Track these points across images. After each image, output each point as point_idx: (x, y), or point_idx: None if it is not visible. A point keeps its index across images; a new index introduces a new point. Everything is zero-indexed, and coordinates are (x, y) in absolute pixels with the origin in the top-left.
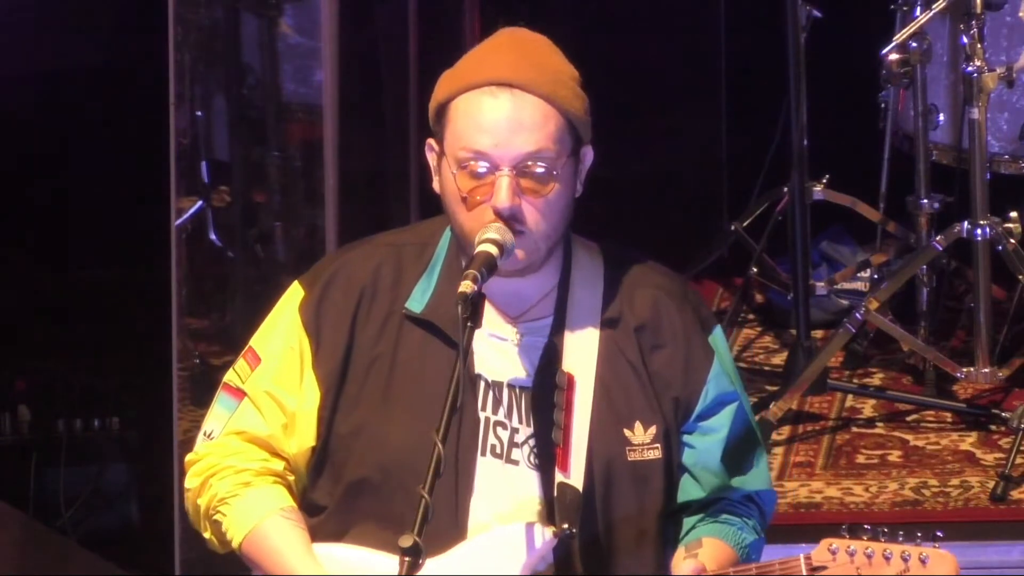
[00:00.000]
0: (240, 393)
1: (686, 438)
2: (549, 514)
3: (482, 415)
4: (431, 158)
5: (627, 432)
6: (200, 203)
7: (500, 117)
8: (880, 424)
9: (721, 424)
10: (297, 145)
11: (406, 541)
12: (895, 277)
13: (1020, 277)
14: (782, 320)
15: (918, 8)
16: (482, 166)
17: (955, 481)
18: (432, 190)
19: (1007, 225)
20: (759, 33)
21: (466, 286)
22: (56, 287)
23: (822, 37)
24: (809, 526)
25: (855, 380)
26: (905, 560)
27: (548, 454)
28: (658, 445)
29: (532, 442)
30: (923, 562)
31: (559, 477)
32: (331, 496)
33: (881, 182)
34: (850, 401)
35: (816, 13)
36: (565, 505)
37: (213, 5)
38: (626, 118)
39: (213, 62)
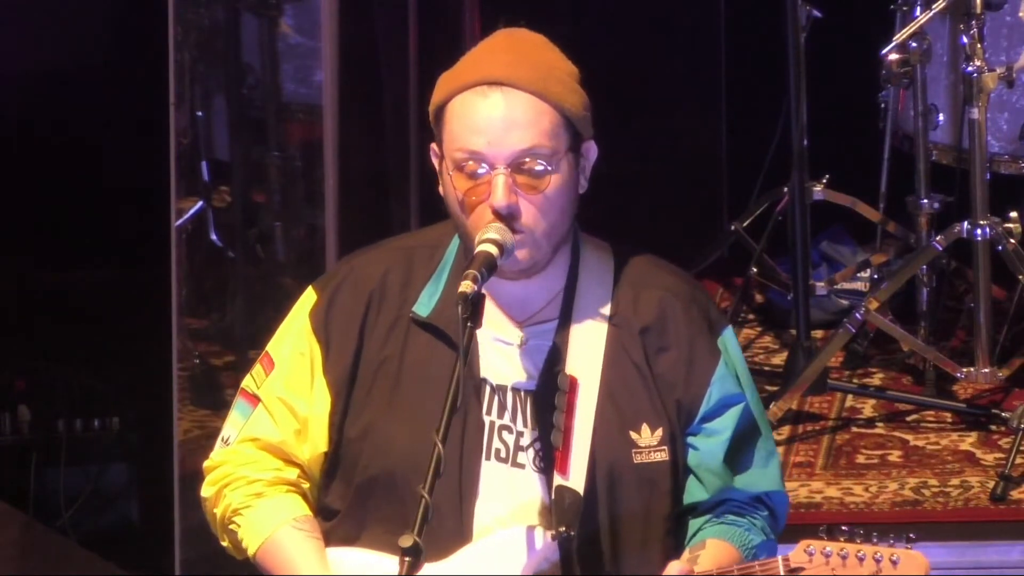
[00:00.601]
0: (255, 399)
1: (690, 439)
2: (551, 517)
3: (486, 419)
4: (435, 163)
5: (633, 434)
6: (200, 203)
7: (492, 116)
8: (880, 424)
9: (725, 426)
10: (297, 145)
11: (406, 541)
12: (895, 277)
13: (1020, 277)
14: (782, 320)
15: (918, 8)
16: (477, 166)
17: (955, 481)
18: (437, 192)
19: (1007, 225)
20: (759, 33)
21: (466, 286)
22: (56, 287)
23: (822, 37)
24: (809, 526)
25: (855, 380)
26: (877, 561)
27: (551, 457)
28: (665, 447)
29: (537, 446)
30: (894, 563)
31: (558, 480)
32: (343, 500)
33: (881, 182)
34: (850, 401)
35: (816, 13)
36: (563, 508)
37: (213, 5)
38: (626, 118)
39: (213, 62)
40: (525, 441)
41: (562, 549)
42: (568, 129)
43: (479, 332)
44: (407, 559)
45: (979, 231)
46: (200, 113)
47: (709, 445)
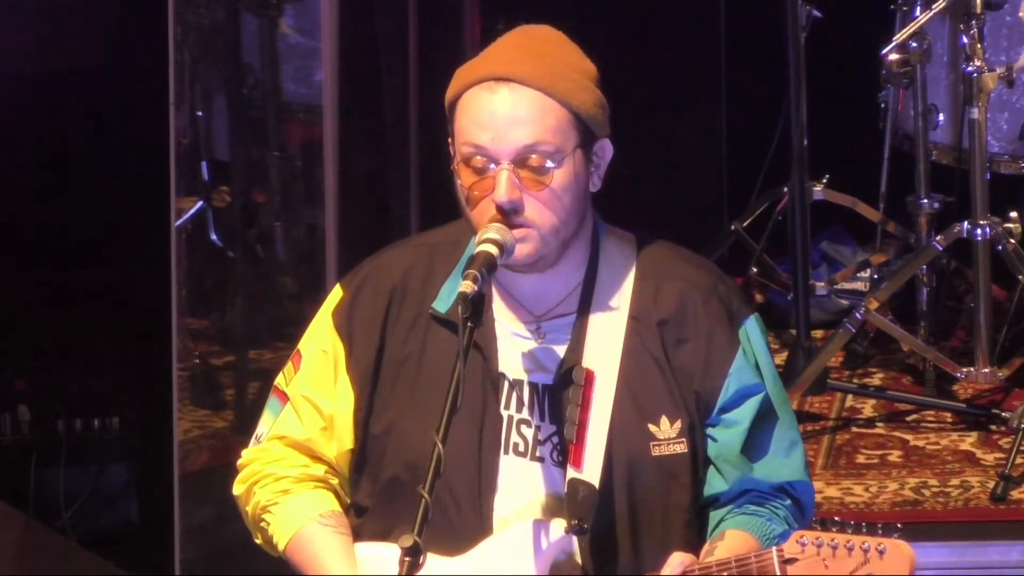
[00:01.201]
0: (285, 396)
1: (709, 431)
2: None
3: (504, 414)
4: (452, 157)
5: (652, 427)
6: (200, 203)
7: (497, 111)
8: (880, 424)
9: (743, 416)
10: (297, 145)
11: (406, 541)
12: (895, 277)
13: (1020, 277)
14: (782, 320)
15: (918, 8)
16: (482, 160)
17: (955, 481)
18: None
19: (1007, 225)
20: (759, 33)
21: (466, 286)
22: (56, 287)
23: (822, 37)
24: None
25: (855, 380)
26: (865, 551)
27: (567, 450)
28: (684, 439)
29: (555, 440)
30: (880, 553)
31: (571, 473)
32: (371, 497)
33: (881, 182)
34: (850, 401)
35: (816, 13)
36: (577, 501)
37: (213, 5)
38: (626, 118)
39: (213, 62)
40: (543, 435)
41: (580, 542)
42: (577, 127)
43: (496, 326)
44: (407, 559)
45: (979, 231)
46: (200, 113)
47: (727, 436)
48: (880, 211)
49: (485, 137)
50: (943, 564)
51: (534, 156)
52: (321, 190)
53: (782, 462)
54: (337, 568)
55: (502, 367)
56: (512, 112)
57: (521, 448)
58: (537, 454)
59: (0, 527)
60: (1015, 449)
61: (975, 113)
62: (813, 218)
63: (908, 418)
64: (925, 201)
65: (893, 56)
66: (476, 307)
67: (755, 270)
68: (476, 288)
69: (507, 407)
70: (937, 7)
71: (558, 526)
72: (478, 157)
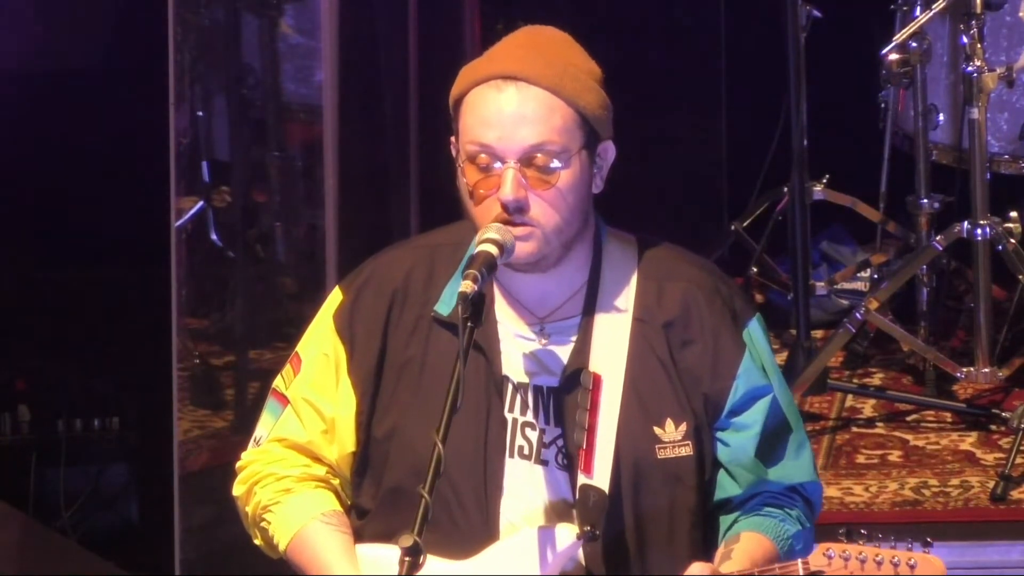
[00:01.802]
0: (285, 399)
1: (719, 435)
2: (575, 515)
3: (509, 416)
4: (455, 156)
5: (657, 430)
6: (200, 203)
7: (504, 110)
8: (880, 424)
9: (754, 419)
10: (297, 145)
11: (406, 541)
12: (895, 277)
13: (1020, 277)
14: (782, 320)
15: (918, 8)
16: (487, 159)
17: (955, 481)
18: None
19: (1007, 225)
20: (759, 33)
21: (466, 286)
22: (56, 287)
23: (822, 37)
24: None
25: (855, 380)
26: (895, 565)
27: (575, 455)
28: (689, 442)
29: (560, 443)
30: (911, 567)
31: (582, 479)
32: (374, 500)
33: (881, 182)
34: (850, 401)
35: (816, 13)
36: (588, 507)
37: (213, 5)
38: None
39: (213, 62)
40: (548, 438)
41: (587, 548)
42: (583, 127)
43: (499, 328)
44: (407, 559)
45: (979, 231)
46: (200, 113)
47: (739, 440)
48: (880, 211)
49: (492, 135)
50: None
51: (540, 155)
52: (321, 190)
53: (794, 464)
54: (339, 567)
55: (505, 370)
56: (519, 111)
57: (526, 451)
58: (542, 457)
59: (0, 527)
60: (1015, 449)
61: (975, 113)
62: (813, 218)
63: (908, 418)
64: (925, 201)
65: (893, 56)
66: (476, 307)
67: (755, 270)
68: (476, 288)
69: (511, 410)
70: (937, 7)
71: (567, 532)
72: (484, 155)
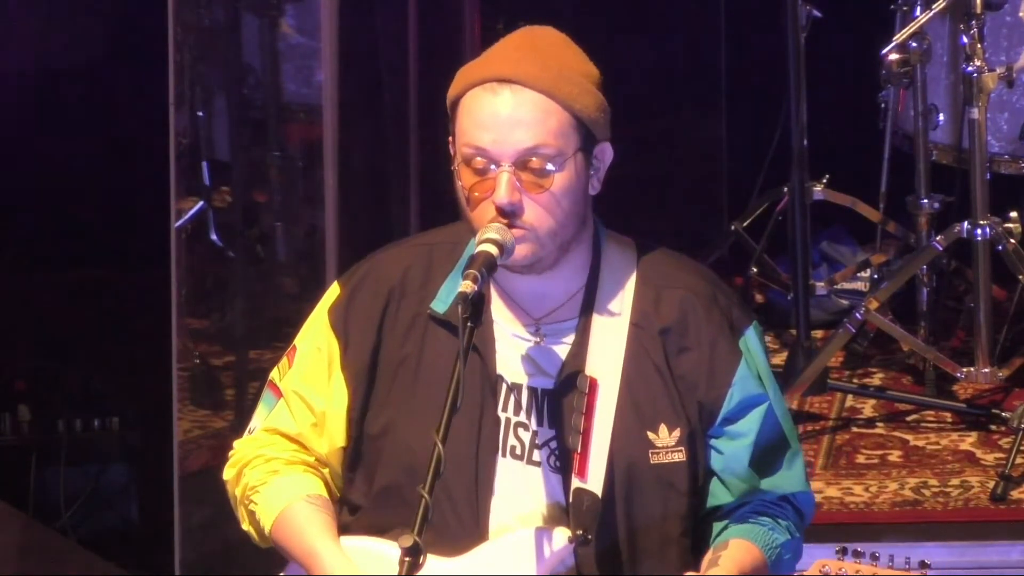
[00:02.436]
0: (279, 391)
1: (713, 442)
2: (567, 517)
3: (502, 416)
4: (452, 157)
5: (651, 435)
6: (201, 203)
7: (499, 113)
8: (880, 424)
9: (749, 428)
10: (297, 145)
11: (406, 541)
12: (895, 277)
13: (1020, 277)
14: (782, 320)
15: (918, 8)
16: (483, 162)
17: (955, 481)
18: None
19: (1007, 225)
20: (759, 33)
21: (466, 286)
22: (56, 287)
23: (822, 37)
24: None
25: (855, 380)
26: None
27: (568, 458)
28: (682, 448)
29: (553, 445)
30: None
31: (576, 483)
32: (366, 497)
33: (881, 182)
34: (850, 401)
35: (816, 13)
36: (581, 511)
37: (213, 5)
38: (626, 118)
39: (213, 62)
40: (540, 439)
41: (579, 552)
42: (579, 130)
43: (496, 328)
44: (407, 559)
45: (979, 231)
46: (200, 113)
47: (733, 449)
48: (880, 211)
49: (486, 138)
50: (943, 564)
51: (535, 159)
52: (321, 190)
53: (786, 475)
54: (322, 545)
55: (500, 369)
56: (514, 114)
57: (518, 451)
58: (534, 458)
59: (0, 527)
60: (1015, 449)
61: (975, 113)
62: (813, 218)
63: (908, 418)
64: (925, 201)
65: (893, 56)
66: (476, 307)
67: (755, 270)
68: (476, 288)
69: (504, 409)
70: (937, 7)
71: (560, 535)
72: (479, 158)
